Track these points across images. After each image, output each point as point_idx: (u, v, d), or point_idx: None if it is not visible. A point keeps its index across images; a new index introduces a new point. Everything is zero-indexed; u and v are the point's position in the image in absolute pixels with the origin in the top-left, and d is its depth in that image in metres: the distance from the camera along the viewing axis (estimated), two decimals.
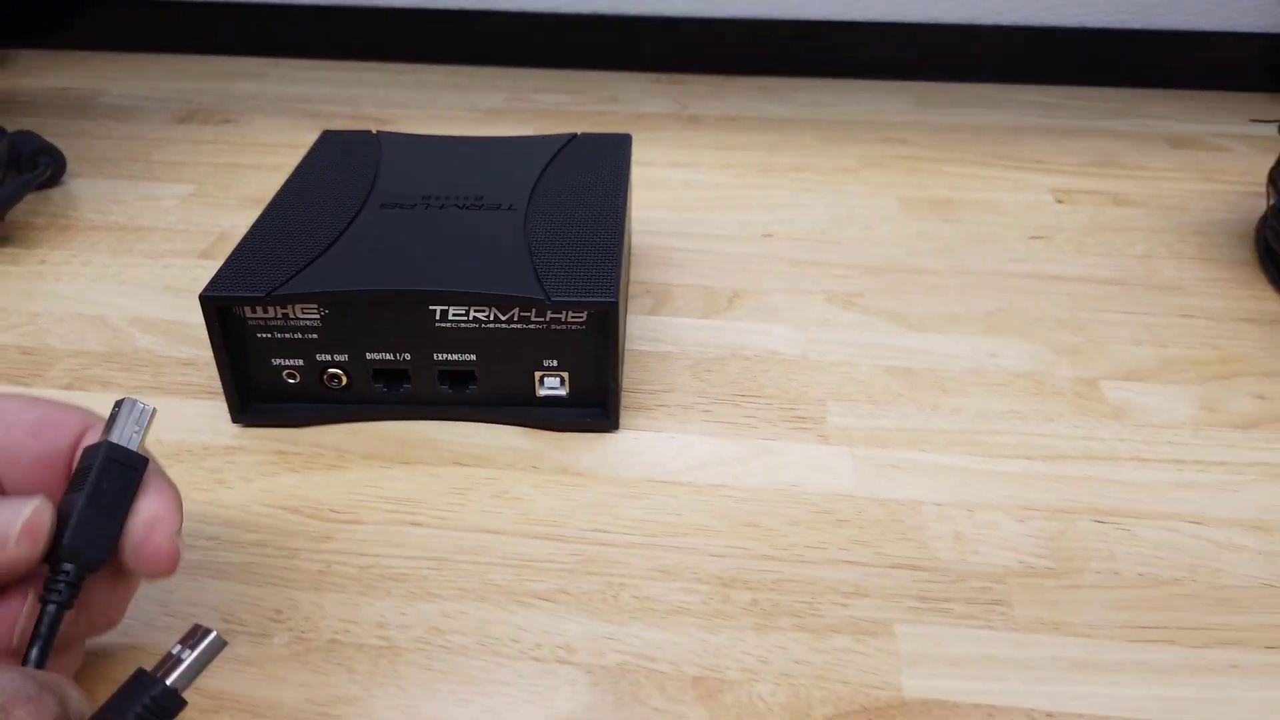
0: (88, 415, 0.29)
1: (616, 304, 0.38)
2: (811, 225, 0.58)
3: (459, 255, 0.41)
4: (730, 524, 0.37)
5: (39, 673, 0.23)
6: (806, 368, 0.46)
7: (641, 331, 0.48)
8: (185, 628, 0.25)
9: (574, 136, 0.52)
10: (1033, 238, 0.57)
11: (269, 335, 0.41)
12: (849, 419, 0.42)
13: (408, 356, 0.41)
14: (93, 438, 0.28)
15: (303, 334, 0.41)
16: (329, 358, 0.42)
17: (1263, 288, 0.52)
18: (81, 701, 0.23)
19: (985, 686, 0.31)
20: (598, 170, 0.48)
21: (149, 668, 0.24)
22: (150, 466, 0.28)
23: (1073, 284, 0.52)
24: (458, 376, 0.42)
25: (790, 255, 0.55)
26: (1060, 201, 0.61)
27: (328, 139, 0.52)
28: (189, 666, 0.24)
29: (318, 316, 0.40)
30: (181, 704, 0.24)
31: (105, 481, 0.26)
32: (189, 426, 0.42)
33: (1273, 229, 0.52)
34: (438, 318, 0.40)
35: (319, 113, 0.73)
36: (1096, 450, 0.41)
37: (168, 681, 0.24)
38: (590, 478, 0.39)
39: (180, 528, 0.27)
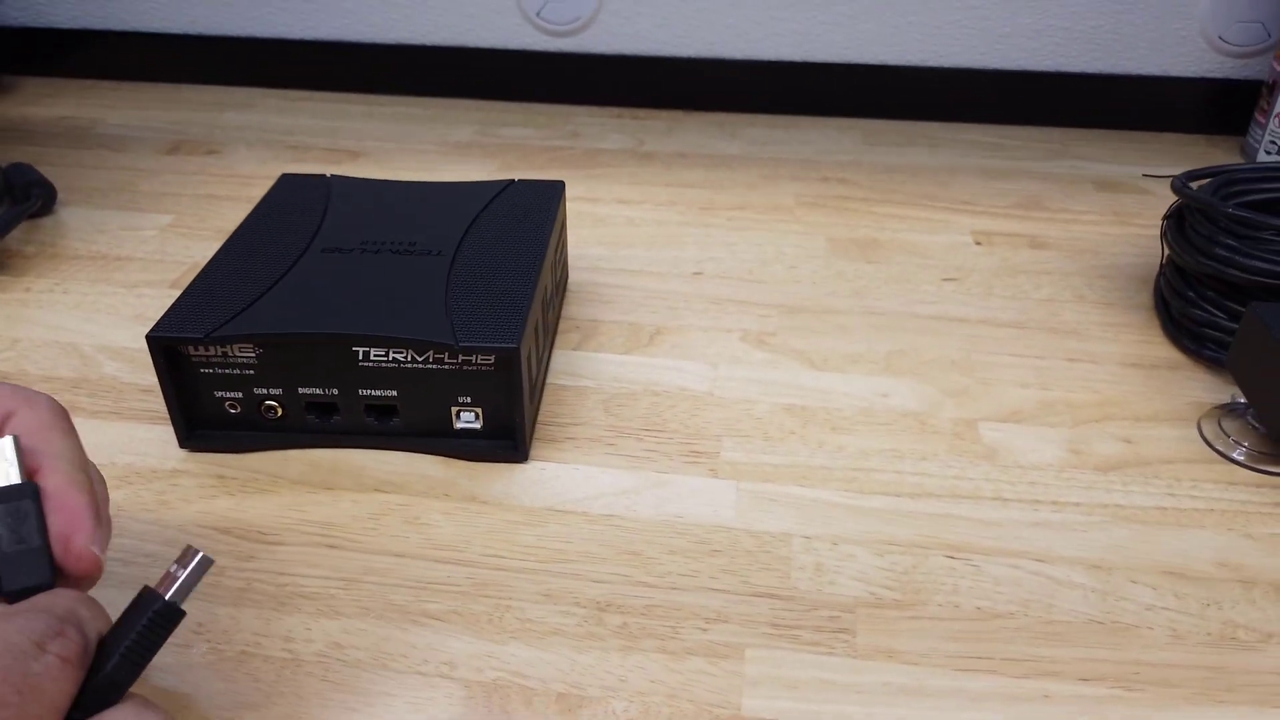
0: (11, 399, 0.30)
1: (518, 349, 0.42)
2: (740, 264, 0.62)
3: (384, 300, 0.45)
4: (614, 551, 0.41)
5: (54, 604, 0.26)
6: (711, 404, 0.49)
7: (565, 366, 0.52)
8: None
9: (511, 183, 0.56)
10: (945, 279, 0.60)
11: (211, 370, 0.45)
12: (740, 454, 0.46)
13: (336, 392, 0.46)
14: (14, 425, 0.30)
15: (241, 370, 0.45)
16: (265, 391, 0.46)
17: (1154, 333, 0.55)
18: (95, 620, 0.27)
19: (818, 708, 0.35)
20: (527, 218, 0.52)
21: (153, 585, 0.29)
22: (55, 480, 0.29)
23: (975, 326, 0.56)
24: (382, 410, 0.46)
25: (715, 293, 0.59)
26: (978, 244, 0.64)
27: (285, 182, 0.56)
28: (184, 582, 0.29)
29: (254, 355, 0.45)
30: (181, 614, 0.29)
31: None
32: (140, 450, 0.46)
33: (1165, 279, 0.55)
34: (361, 358, 0.44)
35: (299, 145, 0.78)
36: (962, 489, 0.44)
37: (167, 596, 0.29)
38: (495, 505, 0.43)
39: (94, 533, 0.29)
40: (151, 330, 0.44)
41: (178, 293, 0.58)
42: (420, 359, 0.44)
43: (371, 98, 0.87)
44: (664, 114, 0.84)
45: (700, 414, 0.49)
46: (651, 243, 0.64)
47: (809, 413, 0.49)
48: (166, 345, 0.44)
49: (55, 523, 0.29)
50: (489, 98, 0.86)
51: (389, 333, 0.43)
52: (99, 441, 0.47)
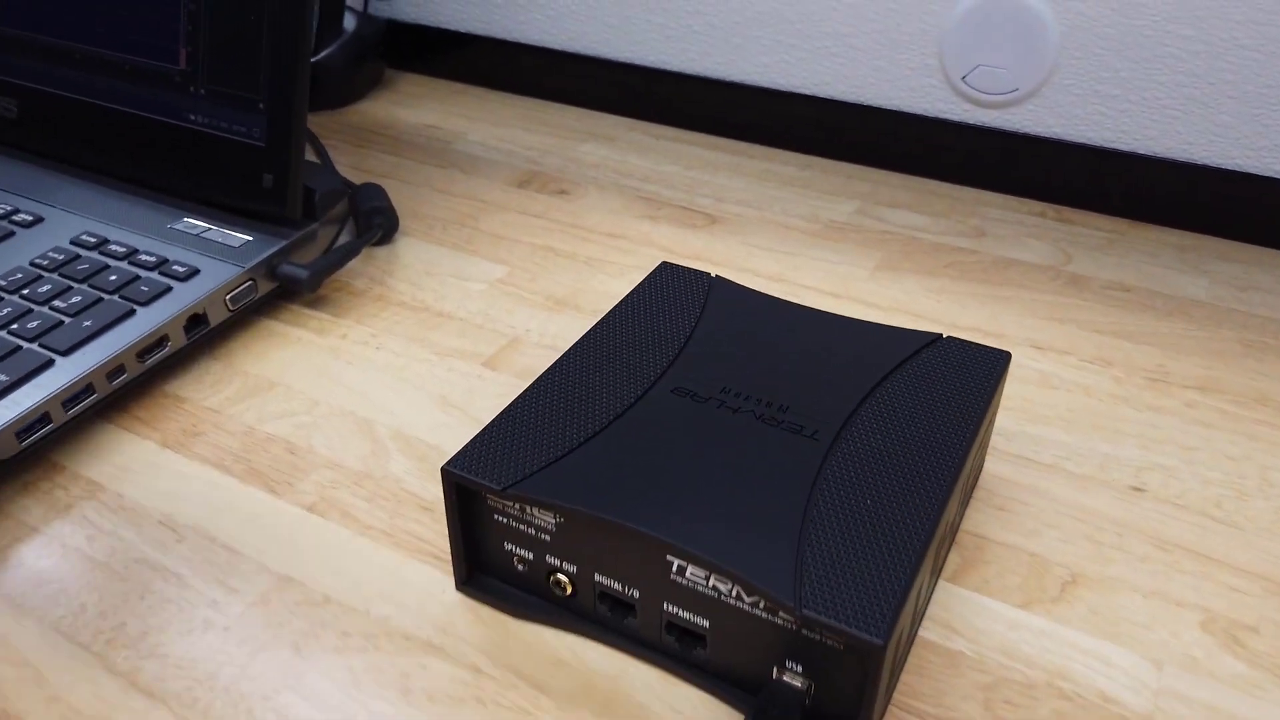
0: None
1: (884, 648, 0.29)
2: (1203, 485, 0.44)
3: (724, 498, 0.34)
4: None
5: None
6: None
7: (933, 607, 0.38)
8: None
9: (935, 339, 0.42)
10: None
11: (505, 520, 0.37)
12: None
13: (636, 594, 0.35)
14: None
15: (537, 531, 0.36)
16: (558, 563, 0.36)
17: None
18: None
19: None
20: (949, 403, 0.38)
21: None
22: None
23: None
24: (687, 633, 0.35)
25: (1163, 531, 0.42)
26: None
27: (663, 275, 0.46)
28: None
29: (553, 521, 0.35)
30: None
31: None
32: (399, 599, 0.38)
33: None
34: (674, 570, 0.33)
35: (653, 197, 0.69)
36: None
37: None
38: None
39: None
40: (450, 462, 0.36)
41: (490, 375, 0.51)
42: (748, 600, 0.32)
43: (742, 146, 0.76)
44: (1103, 221, 0.66)
45: None
46: (1073, 421, 0.48)
47: None
48: (460, 484, 0.36)
49: None
50: (877, 165, 0.72)
51: (714, 556, 0.32)
52: (362, 574, 0.40)
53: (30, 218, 0.56)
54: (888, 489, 0.34)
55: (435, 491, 0.44)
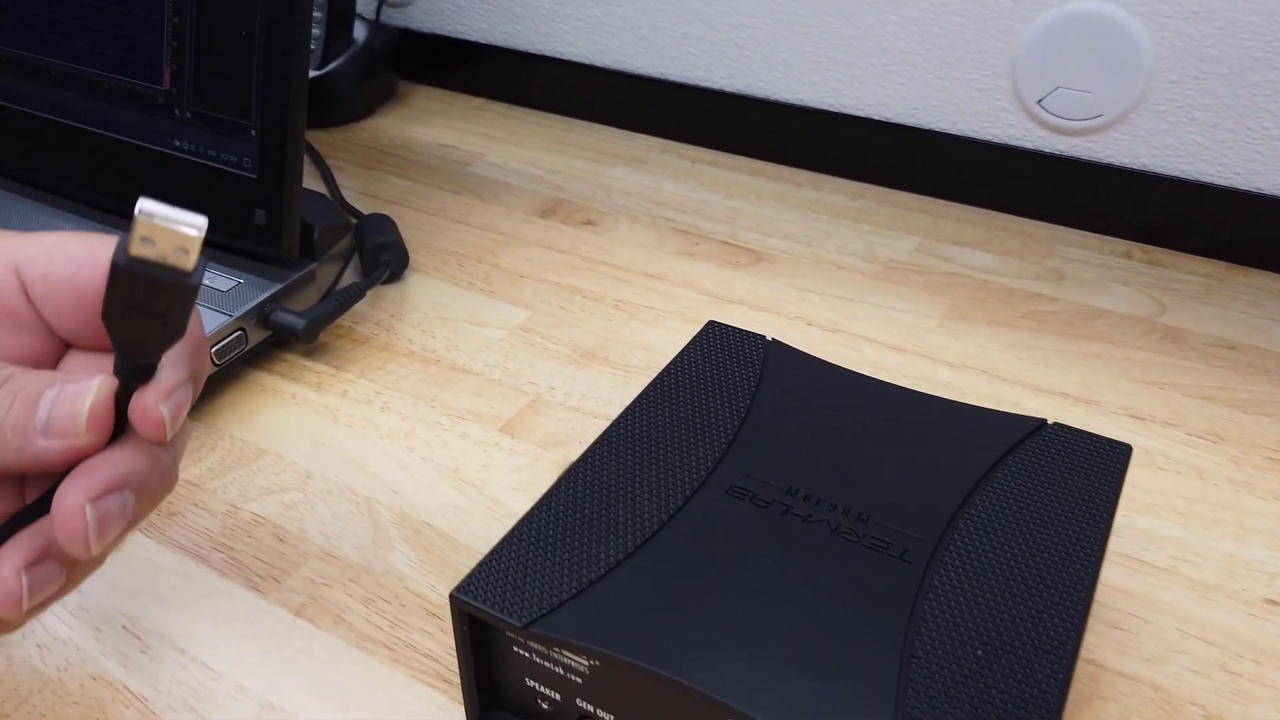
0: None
1: None
2: None
3: (800, 643, 0.27)
4: None
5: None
6: None
7: None
8: None
9: (1040, 425, 0.35)
10: None
11: (526, 655, 0.30)
12: None
13: None
14: None
15: (565, 672, 0.30)
16: (591, 709, 0.30)
17: None
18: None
19: None
20: (1064, 514, 0.32)
21: None
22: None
23: None
24: None
25: None
26: None
27: (710, 338, 0.40)
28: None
29: (585, 665, 0.29)
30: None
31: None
32: None
33: None
34: None
35: (690, 230, 0.62)
36: None
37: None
38: None
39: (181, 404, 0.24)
40: (459, 587, 0.29)
41: (508, 443, 0.44)
42: None
43: (786, 171, 0.69)
44: (1196, 264, 0.58)
45: None
46: (1188, 512, 0.41)
47: None
48: (473, 615, 0.29)
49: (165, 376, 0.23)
50: (937, 195, 0.65)
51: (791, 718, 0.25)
52: (358, 701, 0.33)
53: None
54: (1004, 627, 0.28)
55: (444, 592, 0.38)
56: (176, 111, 0.50)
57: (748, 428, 0.35)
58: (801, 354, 0.39)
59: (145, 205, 0.20)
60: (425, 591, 0.38)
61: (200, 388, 0.26)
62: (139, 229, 0.20)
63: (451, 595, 0.29)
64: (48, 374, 0.24)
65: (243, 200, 0.48)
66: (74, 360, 0.26)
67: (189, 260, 0.21)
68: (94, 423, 0.23)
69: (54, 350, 0.26)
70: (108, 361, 0.24)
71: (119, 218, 0.53)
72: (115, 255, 0.21)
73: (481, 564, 0.30)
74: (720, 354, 0.39)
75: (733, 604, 0.29)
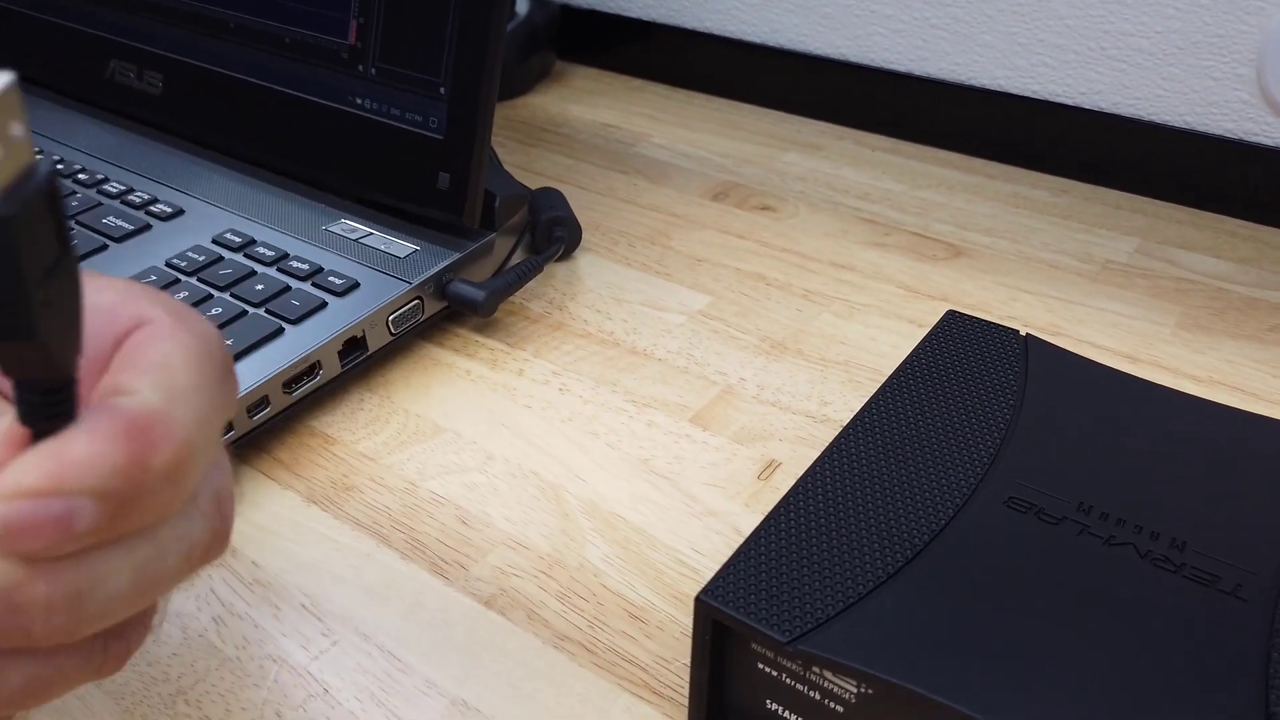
0: (146, 302, 0.20)
1: None
2: None
3: (1133, 686, 0.23)
4: None
5: None
6: None
7: None
8: None
9: None
10: None
11: (775, 674, 0.26)
12: None
13: None
14: (145, 337, 0.20)
15: (823, 697, 0.26)
16: None
17: None
18: None
19: None
20: None
21: None
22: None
23: None
24: None
25: None
26: None
27: (951, 329, 0.35)
28: None
29: (854, 691, 0.25)
30: None
31: None
32: None
33: None
34: None
35: (876, 219, 0.57)
36: None
37: None
38: None
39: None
40: (706, 589, 0.26)
41: (698, 434, 0.40)
42: None
43: (977, 163, 0.64)
44: None
45: None
46: None
47: None
48: (721, 622, 0.25)
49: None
50: (1151, 194, 0.59)
51: None
52: (557, 709, 0.30)
53: (169, 209, 0.48)
54: None
55: (644, 593, 0.34)
56: (360, 67, 0.47)
57: (1019, 432, 0.30)
58: (1068, 353, 0.34)
59: None
60: (624, 590, 0.34)
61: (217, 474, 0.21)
62: None
63: (698, 599, 0.26)
64: None
65: (427, 163, 0.46)
66: None
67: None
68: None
69: None
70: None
71: (294, 179, 0.51)
72: None
73: (728, 567, 0.26)
74: (969, 348, 0.34)
75: (1038, 636, 0.24)
